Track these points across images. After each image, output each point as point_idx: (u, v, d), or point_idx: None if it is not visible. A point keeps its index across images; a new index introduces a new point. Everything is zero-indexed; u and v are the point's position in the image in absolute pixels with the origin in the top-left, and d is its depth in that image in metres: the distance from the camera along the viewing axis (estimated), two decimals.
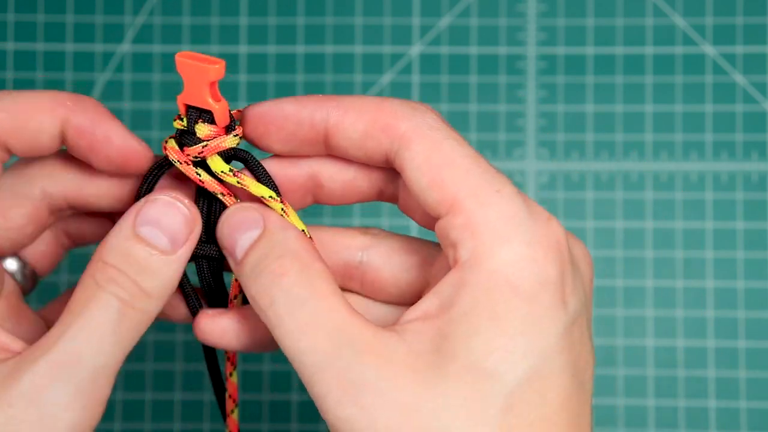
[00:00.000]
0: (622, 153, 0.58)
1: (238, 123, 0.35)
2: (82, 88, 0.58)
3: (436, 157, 0.32)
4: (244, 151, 0.35)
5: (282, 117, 0.34)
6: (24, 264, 0.38)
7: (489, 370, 0.30)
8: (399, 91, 0.58)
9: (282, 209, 0.34)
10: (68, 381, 0.31)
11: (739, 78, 0.57)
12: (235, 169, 0.34)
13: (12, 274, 0.38)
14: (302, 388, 0.57)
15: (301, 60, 0.58)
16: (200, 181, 0.34)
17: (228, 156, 0.34)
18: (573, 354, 0.31)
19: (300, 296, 0.31)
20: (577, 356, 0.31)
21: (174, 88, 0.58)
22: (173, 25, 0.59)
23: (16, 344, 0.33)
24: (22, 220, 0.35)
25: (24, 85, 0.59)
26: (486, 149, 0.58)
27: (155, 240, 0.33)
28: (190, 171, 0.34)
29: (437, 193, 0.32)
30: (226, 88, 0.58)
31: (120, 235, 0.33)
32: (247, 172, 0.34)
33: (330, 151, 0.35)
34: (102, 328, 0.32)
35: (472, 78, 0.58)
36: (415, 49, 0.58)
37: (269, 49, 0.59)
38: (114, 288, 0.32)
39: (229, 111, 0.34)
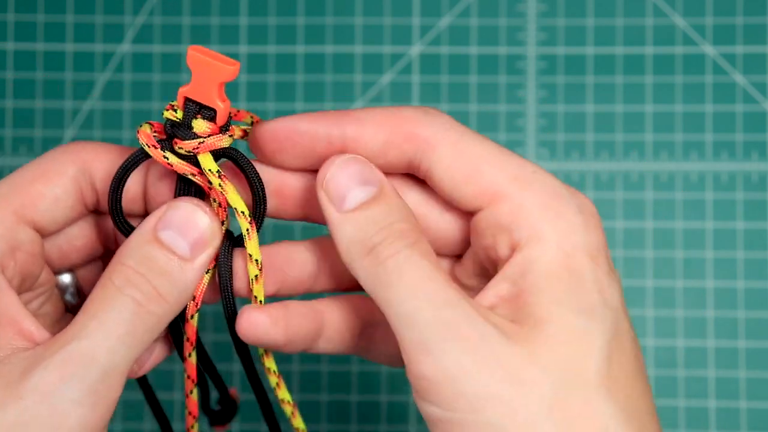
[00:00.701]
0: (622, 153, 0.58)
1: (233, 123, 0.34)
2: (82, 88, 0.58)
3: (465, 153, 0.33)
4: (234, 149, 0.34)
5: (297, 134, 0.34)
6: (77, 285, 0.39)
7: (582, 329, 0.31)
8: (399, 91, 0.58)
9: (247, 230, 0.34)
10: (81, 379, 0.31)
11: (739, 78, 0.57)
12: (222, 173, 0.34)
13: (64, 288, 0.38)
14: (302, 389, 0.57)
15: (301, 60, 0.58)
16: (168, 164, 0.33)
17: (218, 154, 0.34)
18: (626, 316, 0.34)
19: (417, 254, 0.32)
20: (622, 312, 0.34)
21: (174, 88, 0.58)
22: (173, 25, 0.59)
23: (40, 334, 0.33)
24: (55, 189, 0.35)
25: (24, 85, 0.59)
26: None
27: (175, 245, 0.33)
28: (158, 154, 0.33)
29: (475, 187, 0.33)
30: (226, 88, 0.58)
31: (141, 238, 0.33)
32: (227, 181, 0.34)
33: None
34: (116, 328, 0.32)
35: (472, 78, 0.58)
36: (415, 49, 0.58)
37: (269, 49, 0.59)
38: (131, 290, 0.32)
39: (229, 112, 0.34)
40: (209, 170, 0.33)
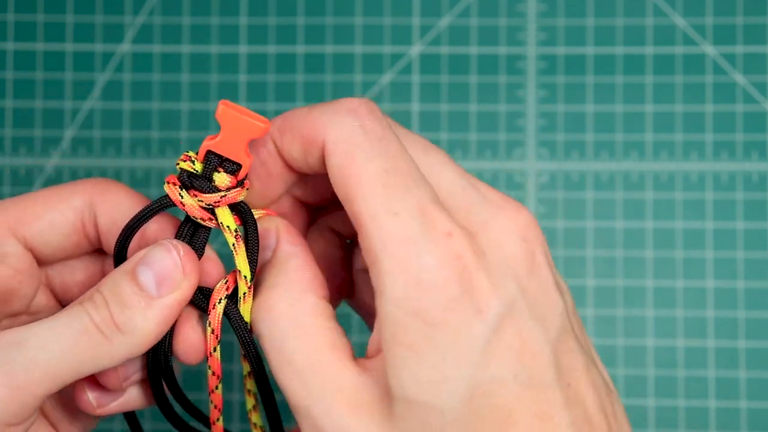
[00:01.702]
0: (622, 153, 0.58)
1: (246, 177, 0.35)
2: (82, 88, 0.58)
3: (347, 172, 0.31)
4: (245, 203, 0.35)
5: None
6: None
7: (428, 404, 0.29)
8: (399, 91, 0.58)
9: (244, 293, 0.34)
10: (0, 357, 0.31)
11: (740, 78, 0.57)
12: (239, 234, 0.34)
13: None
14: None
15: (301, 60, 0.58)
16: (182, 204, 0.34)
17: (231, 206, 0.35)
18: (509, 354, 0.30)
19: (285, 330, 0.32)
20: (515, 353, 0.30)
21: (174, 88, 0.58)
22: (173, 25, 0.59)
23: None
24: (59, 219, 0.35)
25: (24, 84, 0.58)
26: (486, 149, 0.58)
27: (144, 281, 0.33)
28: (174, 191, 0.34)
29: (348, 209, 0.31)
30: (226, 89, 0.58)
31: (120, 270, 0.34)
32: (240, 243, 0.34)
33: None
34: (59, 329, 0.32)
35: (472, 78, 0.58)
36: (415, 49, 0.58)
37: (269, 49, 0.59)
38: (90, 307, 0.33)
39: None
40: (227, 227, 0.34)
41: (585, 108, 0.58)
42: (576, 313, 0.34)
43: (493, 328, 0.30)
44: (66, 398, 0.38)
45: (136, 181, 0.58)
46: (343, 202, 0.32)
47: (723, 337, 0.56)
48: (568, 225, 0.57)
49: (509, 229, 0.32)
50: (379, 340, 0.31)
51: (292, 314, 0.32)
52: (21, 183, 0.58)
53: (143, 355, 0.35)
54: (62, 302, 0.38)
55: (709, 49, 0.58)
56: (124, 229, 0.35)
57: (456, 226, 0.31)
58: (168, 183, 0.34)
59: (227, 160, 0.34)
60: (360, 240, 0.31)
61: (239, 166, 0.33)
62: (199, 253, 0.35)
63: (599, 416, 0.31)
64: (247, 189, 0.34)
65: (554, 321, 0.31)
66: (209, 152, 0.33)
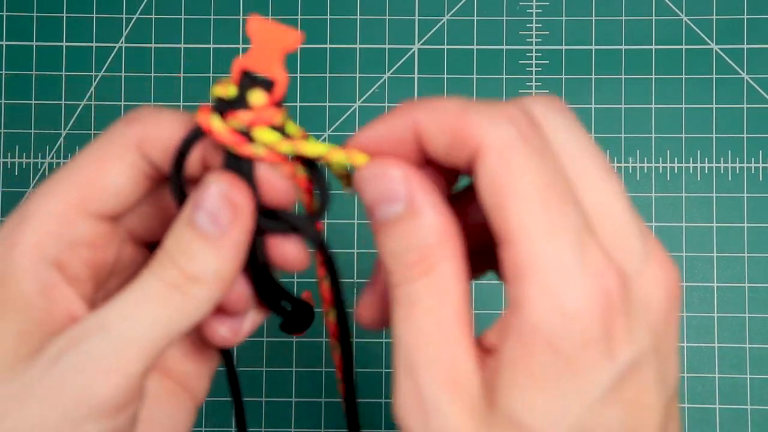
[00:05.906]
0: (624, 152, 0.57)
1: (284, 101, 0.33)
2: (78, 85, 0.58)
3: (501, 179, 0.29)
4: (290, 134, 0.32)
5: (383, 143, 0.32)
6: None
7: (530, 429, 0.29)
8: (400, 87, 0.58)
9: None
10: (88, 348, 0.30)
11: (746, 76, 0.57)
12: (288, 137, 0.31)
13: None
14: (300, 393, 0.57)
15: (302, 56, 0.58)
16: (210, 130, 0.31)
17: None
18: (624, 407, 0.29)
19: (417, 302, 0.30)
20: (629, 408, 0.30)
21: (170, 84, 0.58)
22: (170, 21, 0.58)
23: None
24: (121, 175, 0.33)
25: (19, 82, 0.58)
26: None
27: (201, 224, 0.32)
28: (204, 118, 0.31)
29: (495, 218, 0.29)
30: None
31: (179, 221, 0.32)
32: (299, 140, 0.32)
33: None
34: (138, 302, 0.31)
35: (474, 75, 0.58)
36: (417, 45, 0.58)
37: None
38: (158, 269, 0.31)
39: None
40: (272, 142, 0.31)
41: (587, 106, 0.58)
42: None
43: (619, 377, 0.29)
44: (186, 351, 0.37)
45: None
46: (489, 210, 0.30)
47: (729, 340, 0.56)
48: None
49: (660, 283, 0.31)
50: (499, 339, 0.30)
51: (430, 286, 0.30)
52: (14, 183, 0.58)
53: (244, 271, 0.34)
54: (146, 239, 0.36)
55: (715, 47, 0.58)
56: (172, 168, 0.32)
57: (611, 263, 0.29)
58: (200, 111, 0.32)
59: (259, 80, 0.31)
60: (503, 251, 0.29)
61: (273, 83, 0.31)
62: (249, 181, 0.33)
63: None
64: (284, 112, 0.31)
65: (671, 385, 0.31)
66: (244, 73, 0.31)
